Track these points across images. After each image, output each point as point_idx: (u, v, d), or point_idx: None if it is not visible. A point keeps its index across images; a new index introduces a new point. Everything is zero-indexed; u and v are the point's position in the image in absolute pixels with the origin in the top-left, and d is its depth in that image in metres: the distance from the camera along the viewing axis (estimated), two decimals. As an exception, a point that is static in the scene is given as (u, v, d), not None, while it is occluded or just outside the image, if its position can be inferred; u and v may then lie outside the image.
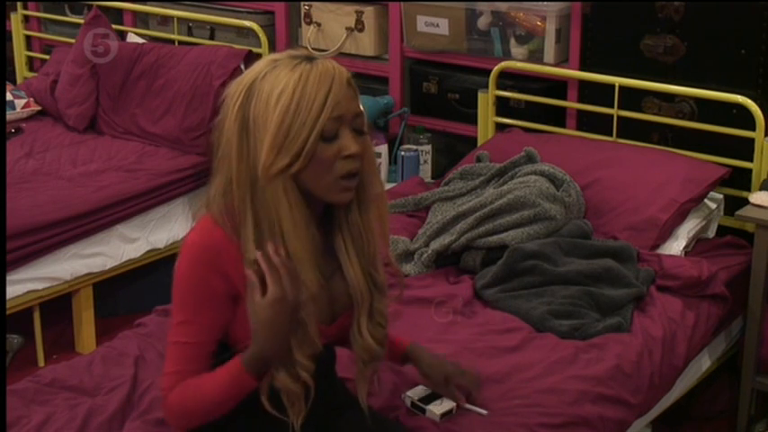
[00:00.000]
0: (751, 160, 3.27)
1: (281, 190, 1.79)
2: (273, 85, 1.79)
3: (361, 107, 1.88)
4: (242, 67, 4.08)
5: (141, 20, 4.83)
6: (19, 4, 5.04)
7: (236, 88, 1.84)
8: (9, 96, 4.42)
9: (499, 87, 3.76)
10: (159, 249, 3.80)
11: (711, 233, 3.33)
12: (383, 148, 3.93)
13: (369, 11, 4.10)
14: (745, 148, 3.28)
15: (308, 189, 1.83)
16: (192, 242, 1.85)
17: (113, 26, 4.55)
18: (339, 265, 1.92)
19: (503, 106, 3.79)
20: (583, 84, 3.65)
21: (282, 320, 1.75)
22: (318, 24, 4.22)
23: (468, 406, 2.33)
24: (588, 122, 3.68)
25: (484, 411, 2.32)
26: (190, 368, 1.84)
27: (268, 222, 1.80)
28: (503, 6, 3.75)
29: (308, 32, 4.24)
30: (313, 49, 4.16)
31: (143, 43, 4.48)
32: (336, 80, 1.80)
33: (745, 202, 3.16)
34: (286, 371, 1.82)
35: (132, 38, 4.66)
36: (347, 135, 1.82)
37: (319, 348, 1.85)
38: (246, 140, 1.80)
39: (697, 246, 3.25)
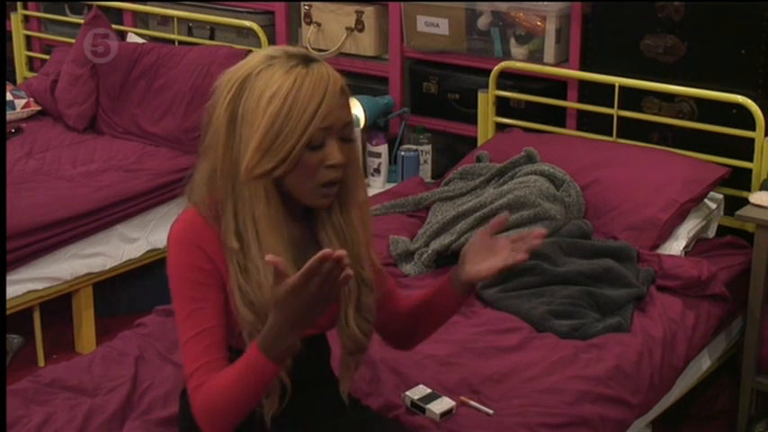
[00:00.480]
0: (751, 160, 3.27)
1: (261, 188, 1.80)
2: (267, 85, 1.78)
3: (352, 115, 1.87)
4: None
5: (141, 20, 4.83)
6: (19, 4, 5.04)
7: (229, 78, 1.83)
8: (9, 96, 4.42)
9: (499, 87, 3.76)
10: (159, 249, 3.80)
11: (711, 233, 3.33)
12: (383, 148, 3.93)
13: (369, 11, 4.10)
14: (745, 148, 3.28)
15: (287, 191, 1.83)
16: (175, 230, 1.87)
17: (113, 26, 4.55)
18: None
19: (503, 106, 3.79)
20: (583, 84, 3.65)
21: (293, 306, 1.69)
22: (318, 24, 4.22)
23: (474, 404, 2.34)
24: (588, 122, 3.67)
25: (490, 411, 2.32)
26: (210, 358, 1.80)
27: (245, 216, 1.81)
28: (503, 6, 3.75)
29: (308, 32, 4.24)
30: (313, 48, 4.15)
31: (143, 43, 4.48)
32: (330, 89, 1.79)
33: (745, 202, 3.16)
34: None
35: (132, 38, 4.66)
36: (333, 144, 1.81)
37: (298, 346, 1.82)
38: (233, 134, 1.81)
39: (697, 246, 3.25)
